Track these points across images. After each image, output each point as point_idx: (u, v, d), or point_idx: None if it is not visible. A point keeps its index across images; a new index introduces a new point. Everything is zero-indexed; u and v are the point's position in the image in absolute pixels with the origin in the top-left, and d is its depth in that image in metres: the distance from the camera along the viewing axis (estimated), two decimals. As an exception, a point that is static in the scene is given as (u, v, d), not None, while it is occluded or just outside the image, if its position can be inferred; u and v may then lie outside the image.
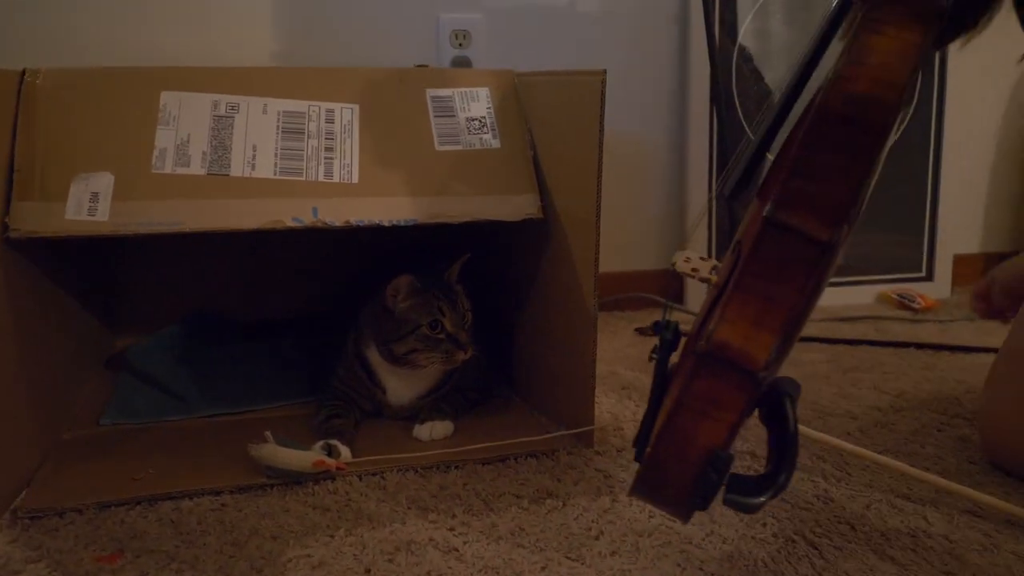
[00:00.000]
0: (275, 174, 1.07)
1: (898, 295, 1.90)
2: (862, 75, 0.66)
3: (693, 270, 0.91)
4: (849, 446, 1.04)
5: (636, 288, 1.84)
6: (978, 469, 1.04)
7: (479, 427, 1.19)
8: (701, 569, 0.83)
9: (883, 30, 0.68)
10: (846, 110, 0.66)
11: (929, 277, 1.98)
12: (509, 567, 0.83)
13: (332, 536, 0.90)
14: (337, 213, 1.05)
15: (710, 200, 1.40)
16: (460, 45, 1.70)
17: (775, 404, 0.72)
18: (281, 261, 1.60)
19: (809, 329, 1.67)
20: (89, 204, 0.99)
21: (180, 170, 1.04)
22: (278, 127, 1.10)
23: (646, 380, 1.41)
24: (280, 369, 1.39)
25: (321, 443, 1.05)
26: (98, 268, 1.49)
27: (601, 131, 1.02)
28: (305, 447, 1.03)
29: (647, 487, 0.73)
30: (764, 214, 0.66)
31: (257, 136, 1.09)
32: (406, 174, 1.11)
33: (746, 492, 0.69)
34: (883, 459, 1.02)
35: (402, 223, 1.07)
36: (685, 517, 0.74)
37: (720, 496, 0.69)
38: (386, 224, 1.06)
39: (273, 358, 1.44)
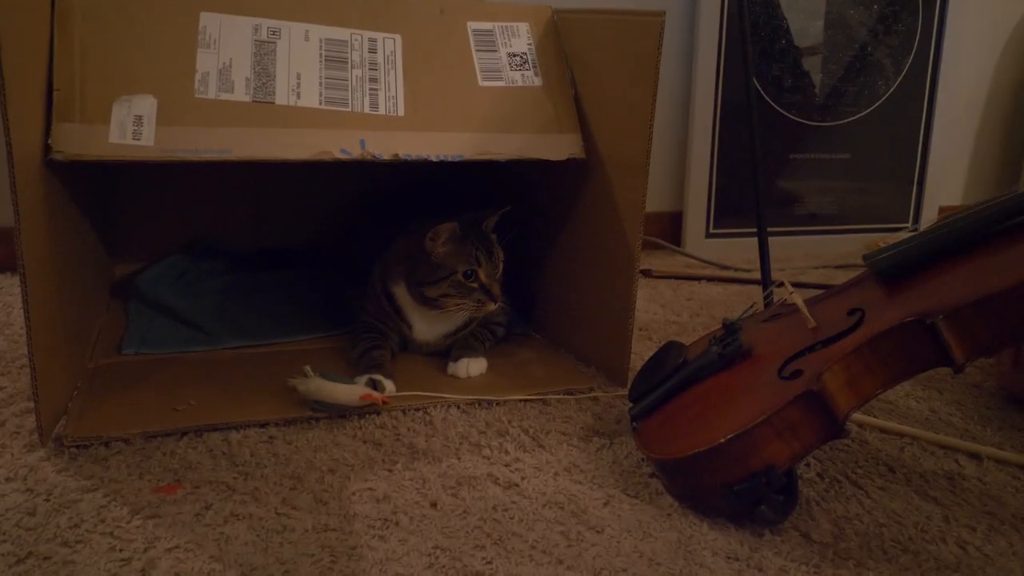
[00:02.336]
0: (320, 104, 1.04)
1: (885, 244, 1.95)
2: None
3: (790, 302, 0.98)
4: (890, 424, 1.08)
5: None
6: (995, 415, 1.09)
7: (511, 364, 1.20)
8: (758, 507, 0.86)
9: None
10: None
11: (915, 228, 2.04)
12: (572, 503, 0.85)
13: (391, 470, 0.90)
14: (385, 146, 1.04)
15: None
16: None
17: None
18: (281, 189, 1.57)
19: (808, 275, 1.72)
20: (133, 128, 0.96)
21: (224, 96, 1.01)
22: (321, 55, 1.07)
23: (660, 322, 1.44)
24: (295, 301, 1.38)
25: (366, 377, 1.05)
26: (98, 190, 1.45)
27: (656, 74, 1.02)
28: (348, 381, 1.03)
29: (689, 465, 0.83)
30: (927, 320, 0.77)
31: (300, 64, 1.06)
32: (451, 109, 1.09)
33: (776, 511, 0.82)
34: (930, 435, 1.06)
35: (450, 159, 1.06)
36: (696, 504, 0.85)
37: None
38: (434, 159, 1.05)
39: (286, 290, 1.43)
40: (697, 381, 0.93)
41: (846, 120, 1.95)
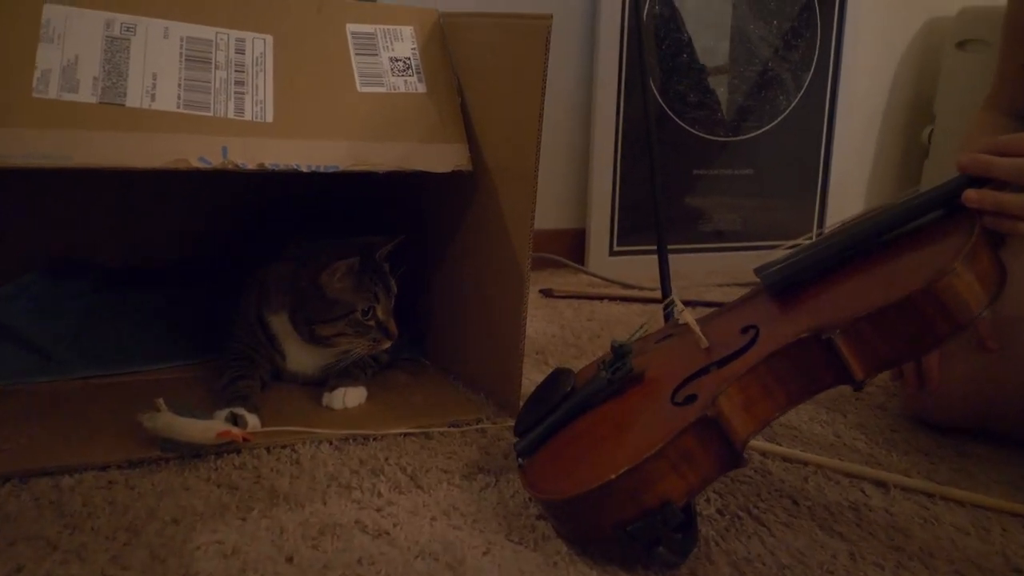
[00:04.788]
0: (178, 107, 0.94)
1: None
2: (968, 279, 0.71)
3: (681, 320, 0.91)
4: (796, 453, 1.02)
5: (539, 248, 1.79)
6: (901, 438, 1.05)
7: (393, 393, 1.11)
8: (653, 550, 0.78)
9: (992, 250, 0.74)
10: (944, 298, 0.70)
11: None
12: (448, 552, 0.76)
13: (244, 519, 0.80)
14: (250, 155, 0.94)
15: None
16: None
17: None
18: (155, 201, 1.45)
19: (714, 294, 1.67)
20: (-44, 130, 0.84)
21: (67, 96, 0.89)
22: (181, 55, 0.97)
23: (558, 345, 1.37)
24: (163, 325, 1.27)
25: (226, 411, 0.94)
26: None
27: (544, 80, 0.95)
28: (206, 415, 0.92)
29: (578, 505, 0.74)
30: (823, 335, 0.71)
31: (157, 63, 0.95)
32: (326, 116, 1.00)
33: (674, 551, 0.74)
34: (831, 462, 1.01)
35: (322, 170, 0.97)
36: (587, 548, 0.77)
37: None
38: (304, 170, 0.96)
39: (154, 312, 1.31)
40: (586, 411, 0.85)
41: (749, 135, 1.92)
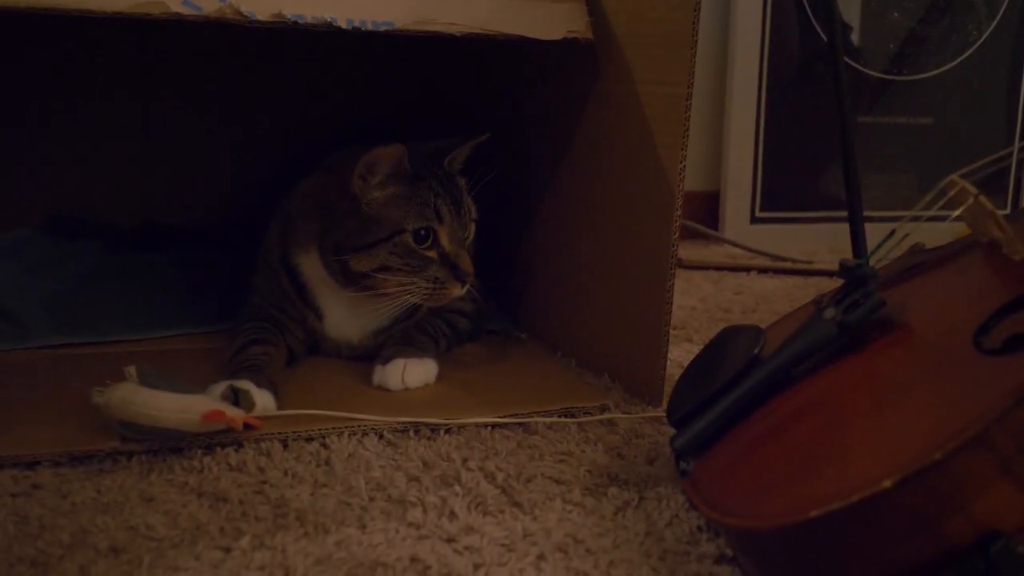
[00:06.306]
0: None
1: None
2: None
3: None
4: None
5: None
6: None
7: (476, 372, 0.80)
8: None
9: None
10: None
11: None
12: (569, 621, 0.43)
13: (228, 549, 0.48)
14: (262, 1, 0.63)
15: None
16: None
17: None
18: (181, 143, 1.15)
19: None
20: None
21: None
22: None
23: (702, 319, 1.03)
24: (178, 288, 0.99)
25: (224, 385, 0.63)
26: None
27: None
28: (192, 389, 0.61)
29: (812, 538, 0.41)
30: None
31: None
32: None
33: None
34: None
35: (369, 26, 0.65)
36: None
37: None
38: (344, 27, 0.65)
39: (168, 274, 1.02)
40: (799, 378, 0.51)
41: (927, 74, 1.53)
